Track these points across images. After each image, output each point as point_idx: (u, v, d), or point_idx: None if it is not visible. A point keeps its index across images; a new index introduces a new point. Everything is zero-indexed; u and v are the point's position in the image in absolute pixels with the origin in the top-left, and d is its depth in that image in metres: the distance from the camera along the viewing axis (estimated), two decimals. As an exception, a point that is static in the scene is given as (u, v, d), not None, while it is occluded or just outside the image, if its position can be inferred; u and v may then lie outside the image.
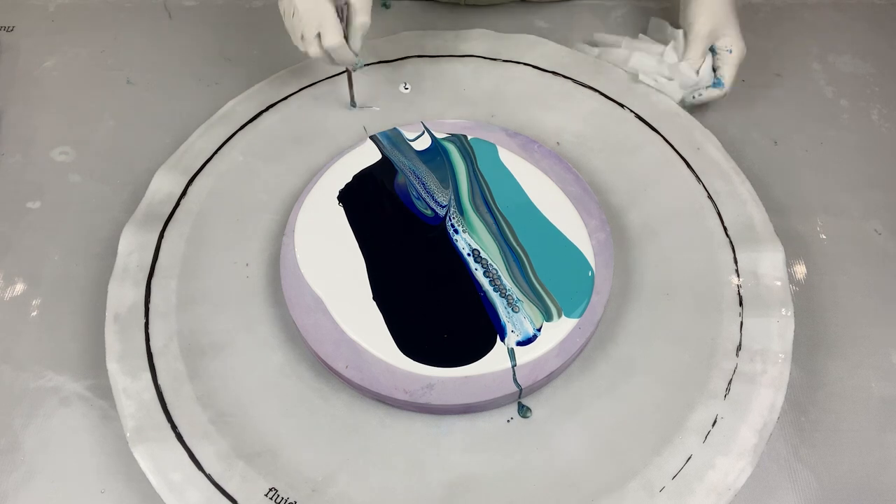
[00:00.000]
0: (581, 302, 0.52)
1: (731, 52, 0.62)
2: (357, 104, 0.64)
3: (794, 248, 0.59)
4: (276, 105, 0.64)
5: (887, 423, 0.52)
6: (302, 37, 0.55)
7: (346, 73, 0.62)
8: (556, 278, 0.53)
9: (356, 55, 0.57)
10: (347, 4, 0.55)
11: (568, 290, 0.52)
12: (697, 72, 0.63)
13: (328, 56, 0.56)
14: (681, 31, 0.65)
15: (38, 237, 0.60)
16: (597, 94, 0.65)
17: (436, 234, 0.55)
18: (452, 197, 0.57)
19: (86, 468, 0.50)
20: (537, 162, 0.59)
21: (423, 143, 0.60)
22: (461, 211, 0.56)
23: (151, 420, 0.49)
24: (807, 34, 0.74)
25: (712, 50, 0.64)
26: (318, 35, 0.54)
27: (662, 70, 0.64)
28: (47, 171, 0.64)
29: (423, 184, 0.58)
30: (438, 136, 0.61)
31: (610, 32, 0.72)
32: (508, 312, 0.51)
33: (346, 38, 0.55)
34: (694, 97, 0.64)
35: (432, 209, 0.57)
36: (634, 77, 0.66)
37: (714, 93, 0.63)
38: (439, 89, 0.66)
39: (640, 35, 0.68)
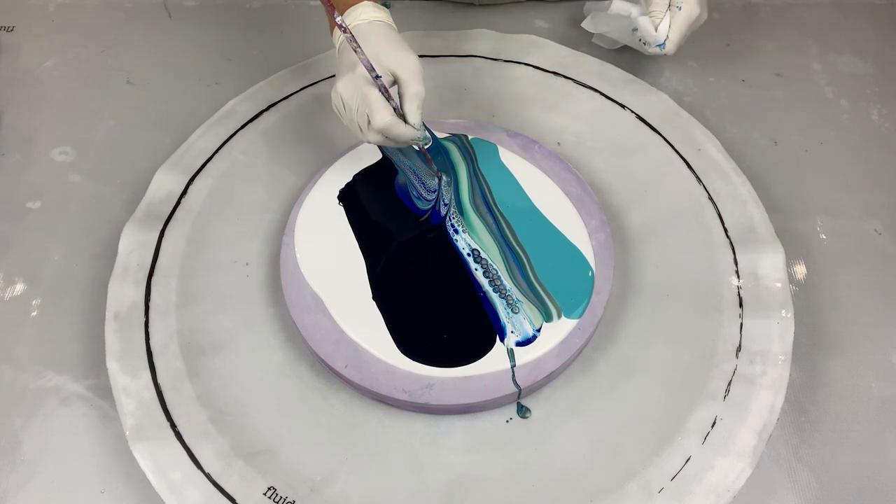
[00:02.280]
0: (581, 302, 0.52)
1: (679, 8, 0.60)
2: (441, 177, 0.58)
3: (794, 248, 0.59)
4: (277, 105, 0.64)
5: (887, 423, 0.52)
6: (360, 129, 0.51)
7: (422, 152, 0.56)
8: (555, 279, 0.53)
9: (418, 129, 0.51)
10: (397, 79, 0.51)
11: (568, 291, 0.52)
12: (657, 28, 0.61)
13: (389, 139, 0.51)
14: None
15: (38, 237, 0.60)
16: (597, 94, 0.65)
17: (436, 234, 0.55)
18: (452, 196, 0.57)
19: (86, 468, 0.50)
20: (538, 162, 0.59)
21: (423, 143, 0.60)
22: (461, 211, 0.56)
23: (151, 419, 0.49)
24: (807, 34, 0.74)
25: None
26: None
27: (628, 23, 0.64)
28: (47, 171, 0.64)
29: (423, 183, 0.58)
30: (439, 135, 0.61)
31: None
32: (508, 313, 0.51)
33: (403, 114, 0.51)
34: (640, 39, 0.63)
35: (424, 198, 0.57)
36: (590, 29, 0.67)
37: (657, 51, 0.62)
38: (440, 89, 0.66)
39: None
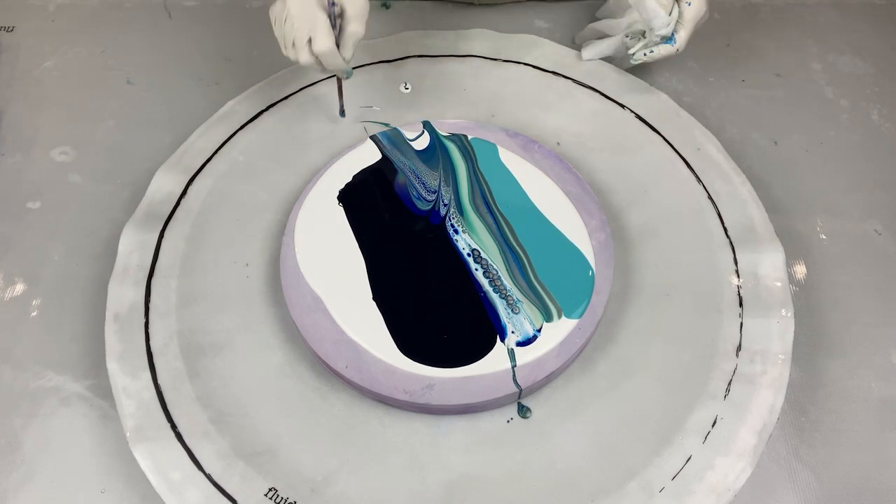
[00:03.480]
0: (581, 302, 0.52)
1: (689, 4, 0.59)
2: (346, 114, 0.63)
3: (794, 248, 0.59)
4: (276, 105, 0.64)
5: (887, 423, 0.52)
6: (293, 43, 0.54)
7: (335, 81, 0.62)
8: (556, 278, 0.53)
9: (346, 63, 0.55)
10: (342, 13, 0.54)
11: (568, 291, 0.52)
12: (670, 13, 0.59)
13: (318, 63, 0.55)
14: None
15: (38, 237, 0.60)
16: (597, 94, 0.65)
17: (436, 234, 0.55)
18: (452, 197, 0.57)
19: (86, 468, 0.50)
20: (537, 162, 0.59)
21: (422, 143, 0.60)
22: (461, 211, 0.56)
23: (151, 419, 0.49)
24: (807, 34, 0.74)
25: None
26: (310, 40, 0.53)
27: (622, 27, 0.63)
28: (47, 171, 0.64)
29: (424, 183, 0.58)
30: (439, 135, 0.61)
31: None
32: (508, 313, 0.51)
33: (338, 45, 0.54)
34: (645, 54, 0.62)
35: (424, 199, 0.57)
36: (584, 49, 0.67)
37: (665, 49, 0.60)
38: (440, 89, 0.66)
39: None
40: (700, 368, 0.51)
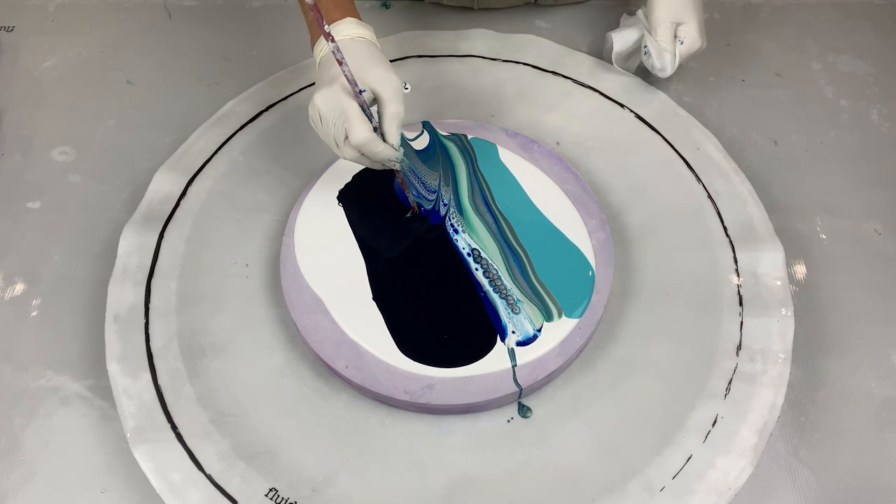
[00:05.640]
0: (581, 302, 0.52)
1: (682, 42, 0.62)
2: (414, 212, 0.56)
3: (794, 248, 0.59)
4: (276, 105, 0.64)
5: (887, 423, 0.52)
6: (335, 143, 0.50)
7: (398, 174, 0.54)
8: (556, 278, 0.53)
9: (397, 149, 0.50)
10: (377, 98, 0.49)
11: (568, 290, 0.52)
12: (668, 59, 0.62)
13: (365, 156, 0.50)
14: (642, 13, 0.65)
15: (38, 237, 0.60)
16: (596, 93, 0.65)
17: (435, 234, 0.55)
18: (452, 196, 0.57)
19: (86, 468, 0.50)
20: (537, 161, 0.59)
21: (422, 143, 0.60)
22: (461, 211, 0.56)
23: (152, 420, 0.49)
24: (807, 34, 0.74)
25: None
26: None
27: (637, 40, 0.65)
28: (47, 171, 0.64)
29: (423, 183, 0.58)
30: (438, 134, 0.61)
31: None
32: (509, 313, 0.51)
33: (382, 133, 0.50)
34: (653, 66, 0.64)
35: (424, 199, 0.56)
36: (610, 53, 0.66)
37: (654, 70, 0.63)
38: (439, 89, 0.66)
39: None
40: (700, 367, 0.51)
